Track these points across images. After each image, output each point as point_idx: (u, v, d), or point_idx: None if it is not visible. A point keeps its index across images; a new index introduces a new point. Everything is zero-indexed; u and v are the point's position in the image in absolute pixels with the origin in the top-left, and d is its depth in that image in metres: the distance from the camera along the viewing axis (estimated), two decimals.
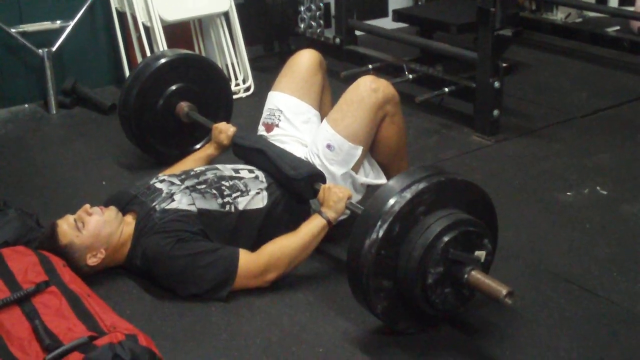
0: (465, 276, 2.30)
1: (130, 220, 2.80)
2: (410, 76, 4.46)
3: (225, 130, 3.27)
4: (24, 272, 2.48)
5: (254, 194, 2.90)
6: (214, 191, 2.86)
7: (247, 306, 2.69)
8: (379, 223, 2.31)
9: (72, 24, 4.69)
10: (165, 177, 2.95)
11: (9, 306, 2.34)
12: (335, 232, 2.85)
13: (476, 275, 2.29)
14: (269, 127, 3.23)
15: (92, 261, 2.71)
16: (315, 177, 2.90)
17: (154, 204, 2.80)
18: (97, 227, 2.72)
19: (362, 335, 2.55)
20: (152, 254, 2.70)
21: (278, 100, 3.25)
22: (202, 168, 3.03)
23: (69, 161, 3.97)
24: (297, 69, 3.29)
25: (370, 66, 4.62)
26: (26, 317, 2.30)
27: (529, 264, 2.92)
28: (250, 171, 3.00)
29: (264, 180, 2.96)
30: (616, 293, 2.73)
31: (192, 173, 2.97)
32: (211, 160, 3.30)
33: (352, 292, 2.45)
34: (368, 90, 2.95)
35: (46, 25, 4.68)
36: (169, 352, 2.40)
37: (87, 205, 2.78)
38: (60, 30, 4.67)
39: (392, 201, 2.33)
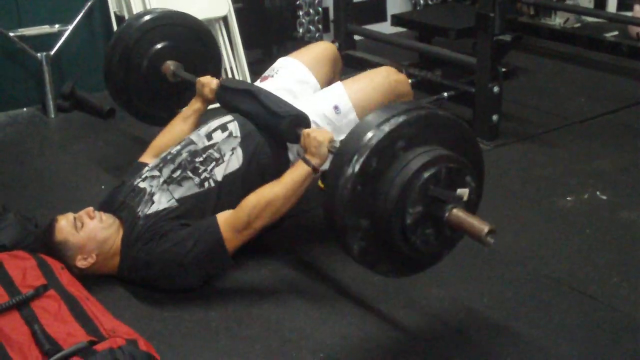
0: (446, 215, 2.17)
1: (120, 229, 2.80)
2: (410, 81, 4.43)
3: (208, 83, 3.24)
4: (23, 276, 2.48)
5: (228, 156, 2.87)
6: (189, 173, 2.84)
7: (246, 311, 2.69)
8: (355, 157, 2.16)
9: (70, 28, 4.68)
10: (148, 174, 2.93)
11: (8, 311, 2.33)
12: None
13: (457, 213, 2.16)
14: (264, 79, 3.24)
15: (81, 263, 2.71)
16: (300, 118, 2.85)
17: (138, 209, 2.80)
18: (94, 230, 2.72)
19: (362, 340, 2.54)
20: (142, 262, 2.71)
21: (283, 60, 3.29)
22: (178, 147, 2.97)
23: (67, 165, 3.96)
24: (313, 49, 3.38)
25: (368, 69, 4.61)
26: (25, 322, 2.30)
27: (528, 270, 2.92)
28: (224, 129, 2.95)
29: (238, 134, 2.92)
30: (617, 299, 2.73)
31: (168, 157, 2.94)
32: (200, 116, 3.27)
33: (329, 231, 2.30)
34: (390, 77, 3.02)
35: (44, 29, 4.67)
36: (168, 357, 2.40)
37: (91, 209, 2.79)
38: (58, 34, 4.67)
39: (369, 134, 2.18)
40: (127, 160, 3.84)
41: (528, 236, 3.16)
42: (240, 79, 4.85)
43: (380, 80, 3.01)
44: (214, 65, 3.80)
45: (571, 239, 3.13)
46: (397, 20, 5.31)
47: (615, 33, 5.71)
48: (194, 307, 2.70)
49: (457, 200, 2.20)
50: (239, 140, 2.91)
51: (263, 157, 2.90)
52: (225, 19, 4.84)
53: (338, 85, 3.04)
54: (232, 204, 2.75)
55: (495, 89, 3.97)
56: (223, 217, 2.71)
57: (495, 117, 4.04)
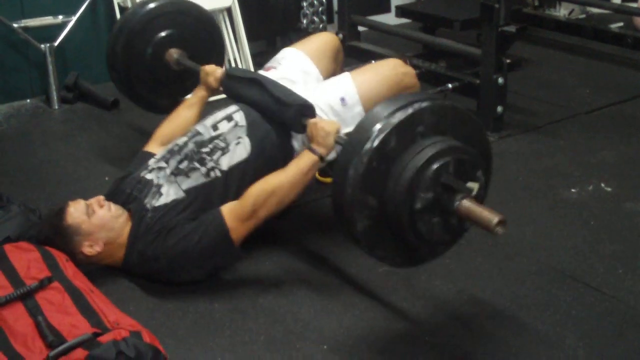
0: (456, 204, 2.20)
1: (128, 221, 2.79)
2: (414, 71, 4.43)
3: (212, 72, 3.24)
4: (27, 268, 2.48)
5: (234, 146, 2.87)
6: (196, 164, 2.84)
7: (250, 303, 2.68)
8: (376, 133, 2.19)
9: (74, 18, 4.67)
10: (154, 165, 2.93)
11: (12, 302, 2.34)
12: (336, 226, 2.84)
13: (467, 202, 2.19)
14: (267, 69, 3.24)
15: (87, 250, 2.70)
16: (306, 108, 2.85)
17: (145, 201, 2.79)
18: (104, 218, 2.72)
19: (366, 332, 2.54)
20: (150, 252, 2.71)
21: (286, 51, 3.29)
22: (184, 138, 2.97)
23: (71, 156, 3.96)
24: (315, 40, 3.37)
25: (373, 62, 4.60)
26: (29, 314, 2.30)
27: (533, 261, 2.91)
28: (229, 119, 2.95)
29: (244, 123, 2.92)
30: (621, 290, 2.72)
31: (175, 149, 2.94)
32: (204, 104, 3.28)
33: (334, 204, 2.31)
34: (397, 70, 3.03)
35: (48, 20, 4.66)
36: (172, 348, 2.40)
37: (102, 197, 2.79)
38: (62, 25, 4.65)
39: (392, 114, 2.22)
40: (131, 151, 3.83)
41: (532, 228, 3.15)
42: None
43: (387, 72, 3.01)
44: (217, 54, 3.79)
45: (576, 231, 3.12)
46: (402, 11, 5.29)
47: (621, 24, 5.70)
48: (198, 299, 2.70)
49: (467, 191, 2.22)
50: (245, 129, 2.90)
51: (269, 146, 2.90)
52: (229, 10, 4.83)
53: (345, 76, 3.03)
54: (240, 194, 2.74)
55: (500, 80, 3.96)
56: (227, 208, 2.70)
57: (499, 109, 4.03)
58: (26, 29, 4.57)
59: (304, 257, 2.94)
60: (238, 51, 4.87)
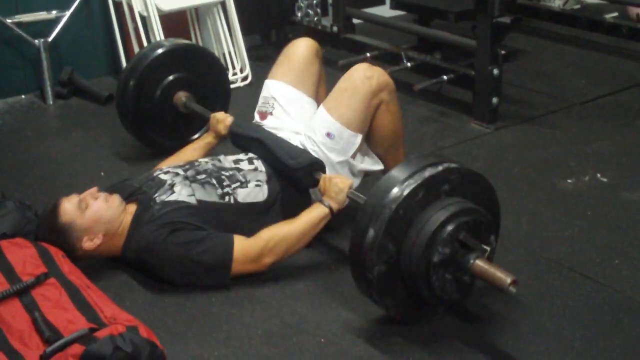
0: (471, 262, 2.30)
1: (131, 210, 2.78)
2: (409, 64, 4.44)
3: (222, 120, 3.26)
4: (23, 264, 2.47)
5: (253, 186, 2.89)
6: (214, 181, 2.85)
7: (247, 297, 2.68)
8: (407, 182, 2.32)
9: (68, 14, 4.66)
10: (170, 169, 2.94)
11: (9, 298, 2.33)
12: (335, 221, 2.83)
13: (482, 262, 2.30)
14: (263, 116, 3.22)
15: (87, 245, 2.69)
16: (314, 166, 2.89)
17: (155, 195, 2.79)
18: (99, 211, 2.70)
19: (364, 325, 2.54)
20: (146, 243, 2.69)
21: (273, 88, 3.23)
22: (205, 159, 3.02)
23: (66, 152, 3.95)
24: (293, 57, 3.27)
25: (368, 54, 4.61)
26: (26, 310, 2.29)
27: (530, 252, 2.91)
28: (250, 162, 2.99)
29: (264, 171, 2.95)
30: (618, 281, 2.73)
31: (195, 164, 2.97)
32: (210, 150, 3.30)
33: (353, 244, 2.39)
34: (362, 77, 2.94)
35: (42, 15, 4.64)
36: (169, 343, 2.39)
37: (95, 189, 2.78)
38: (56, 21, 4.64)
39: (424, 167, 2.36)
40: (126, 145, 3.85)
41: (529, 218, 3.15)
42: (239, 64, 4.84)
43: (355, 84, 2.95)
44: (223, 99, 3.84)
45: (572, 221, 3.13)
46: (396, 3, 5.27)
47: (615, 14, 5.68)
48: (195, 294, 2.70)
49: (482, 252, 2.33)
50: (264, 176, 2.94)
51: (287, 198, 2.93)
52: (223, 4, 4.82)
53: (321, 111, 3.01)
54: (248, 229, 2.75)
55: (495, 71, 3.96)
56: (240, 241, 2.70)
57: (495, 100, 4.03)
58: (20, 24, 4.55)
59: (301, 251, 2.93)
60: (233, 45, 4.86)
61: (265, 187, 2.91)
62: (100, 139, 4.06)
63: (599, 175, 3.49)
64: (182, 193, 2.79)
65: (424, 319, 2.53)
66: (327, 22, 5.27)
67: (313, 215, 2.76)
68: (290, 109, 3.18)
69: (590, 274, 2.77)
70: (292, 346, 2.45)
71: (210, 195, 2.81)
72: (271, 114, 3.19)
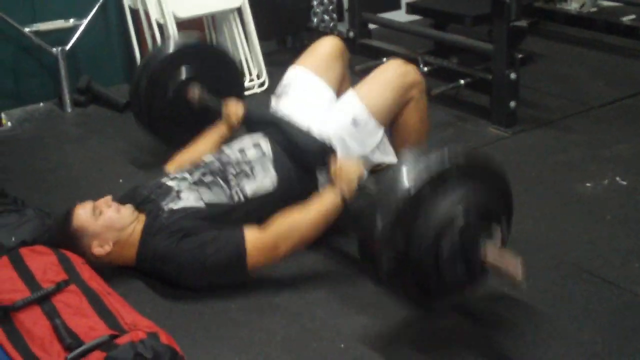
0: (482, 250, 2.25)
1: (141, 219, 2.80)
2: (425, 69, 4.43)
3: (235, 111, 3.27)
4: (43, 271, 2.48)
5: (261, 176, 2.88)
6: (221, 181, 2.86)
7: (266, 303, 2.68)
8: (412, 179, 2.27)
9: (85, 22, 4.67)
10: (177, 174, 2.95)
11: (30, 306, 2.34)
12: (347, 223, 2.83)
13: (494, 249, 2.25)
14: (279, 98, 3.24)
15: (97, 250, 2.71)
16: (327, 149, 2.88)
17: (163, 203, 2.80)
18: (111, 219, 2.72)
19: (383, 330, 2.54)
20: (159, 253, 2.71)
21: (294, 73, 3.28)
22: (210, 157, 3.01)
23: (84, 159, 3.97)
24: (318, 50, 3.33)
25: (384, 59, 4.60)
26: (46, 317, 2.30)
27: (549, 257, 2.90)
28: (256, 147, 2.98)
29: (270, 152, 2.94)
30: (638, 285, 2.71)
31: (201, 164, 2.97)
32: (223, 139, 3.30)
33: (362, 230, 2.38)
34: (398, 72, 3.00)
35: (59, 24, 4.67)
36: (189, 349, 2.39)
37: (109, 197, 2.80)
38: (73, 29, 4.66)
39: (430, 163, 2.31)
40: (144, 153, 3.87)
41: (548, 223, 3.14)
42: (256, 70, 4.85)
43: (389, 76, 3.00)
44: (236, 92, 3.81)
45: (591, 225, 3.11)
46: (412, 8, 5.28)
47: (633, 17, 5.66)
48: (214, 300, 2.70)
49: (493, 237, 2.30)
50: (271, 161, 2.93)
51: (295, 180, 2.92)
52: (239, 10, 4.83)
53: (351, 95, 3.03)
54: (260, 222, 2.74)
55: (512, 75, 3.95)
56: (250, 233, 2.68)
57: (512, 104, 4.02)
58: (38, 33, 4.58)
59: (319, 256, 2.93)
60: (249, 51, 4.87)
61: (272, 173, 2.90)
62: (118, 146, 4.08)
63: (618, 178, 3.47)
64: (189, 199, 2.80)
65: (436, 309, 2.51)
66: (343, 27, 5.29)
67: (324, 203, 2.73)
68: (306, 93, 3.19)
69: (610, 277, 2.75)
70: (312, 352, 2.45)
71: (218, 197, 2.82)
72: (287, 96, 3.21)
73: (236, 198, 2.84)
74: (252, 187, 2.87)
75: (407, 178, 2.29)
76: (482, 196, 2.33)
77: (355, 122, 2.95)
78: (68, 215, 2.73)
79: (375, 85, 3.02)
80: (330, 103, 3.17)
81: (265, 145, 2.98)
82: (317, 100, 3.18)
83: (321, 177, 2.95)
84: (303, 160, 2.92)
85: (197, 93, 3.60)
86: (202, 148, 3.23)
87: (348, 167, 2.76)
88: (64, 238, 2.71)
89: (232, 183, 2.86)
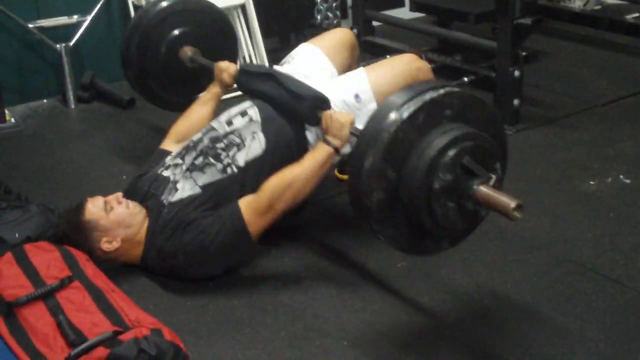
0: (474, 188, 2.21)
1: (145, 219, 2.80)
2: (429, 66, 4.42)
3: (227, 68, 3.26)
4: (47, 267, 2.49)
5: (249, 141, 2.87)
6: (212, 159, 2.85)
7: (270, 300, 2.69)
8: (406, 105, 2.22)
9: (89, 18, 4.68)
10: (171, 162, 2.95)
11: (33, 302, 2.35)
12: (354, 221, 2.83)
13: (485, 188, 2.20)
14: (281, 64, 3.26)
15: (106, 246, 2.71)
16: (321, 100, 2.87)
17: (162, 198, 2.81)
18: (122, 215, 2.74)
19: (387, 327, 2.54)
20: (167, 250, 2.72)
21: (301, 48, 3.30)
22: (199, 135, 2.99)
23: (88, 156, 3.97)
24: (331, 36, 3.37)
25: (388, 57, 4.59)
26: (50, 313, 2.31)
27: (553, 255, 2.90)
28: (244, 114, 2.96)
29: (258, 118, 2.92)
30: None
31: (190, 145, 2.96)
32: (217, 100, 3.30)
33: (351, 171, 2.31)
34: (412, 66, 3.02)
35: (63, 20, 4.68)
36: (193, 346, 2.40)
37: (120, 194, 2.81)
38: (77, 25, 4.67)
39: (424, 90, 2.26)
40: (147, 149, 3.85)
41: (552, 221, 3.14)
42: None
43: (402, 67, 3.00)
44: (230, 51, 3.79)
45: (595, 223, 3.11)
46: (416, 5, 5.27)
47: (636, 15, 5.66)
48: (218, 296, 2.70)
49: (487, 177, 2.22)
50: (259, 124, 2.91)
51: (284, 141, 2.90)
52: (243, 7, 4.83)
53: (360, 71, 3.03)
54: (256, 189, 2.74)
55: (516, 73, 3.94)
56: (245, 202, 2.70)
57: (516, 102, 4.01)
58: (41, 29, 4.58)
59: (323, 253, 2.94)
60: (252, 48, 4.87)
61: (260, 135, 2.88)
62: (122, 143, 4.08)
63: (621, 176, 3.47)
64: (185, 189, 2.81)
65: (428, 252, 2.47)
66: (346, 24, 5.28)
67: (317, 156, 2.73)
68: (309, 65, 3.19)
69: (614, 275, 2.75)
70: (315, 349, 2.45)
71: (212, 176, 2.82)
72: (289, 62, 3.23)
73: (229, 171, 2.83)
74: (243, 155, 2.85)
75: (399, 106, 2.23)
76: (477, 137, 2.26)
77: (357, 97, 2.94)
78: (79, 208, 2.73)
79: (386, 69, 3.02)
80: (332, 79, 3.17)
81: (253, 111, 2.95)
82: (320, 72, 3.18)
83: (310, 137, 2.93)
84: (296, 112, 2.89)
85: (189, 53, 3.58)
86: (198, 112, 3.24)
87: (338, 116, 2.74)
88: (73, 230, 2.71)
89: (222, 156, 2.85)
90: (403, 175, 2.25)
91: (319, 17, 5.32)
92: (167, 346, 2.17)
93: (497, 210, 2.18)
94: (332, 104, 2.90)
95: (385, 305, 2.59)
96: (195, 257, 2.69)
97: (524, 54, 4.01)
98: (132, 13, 4.77)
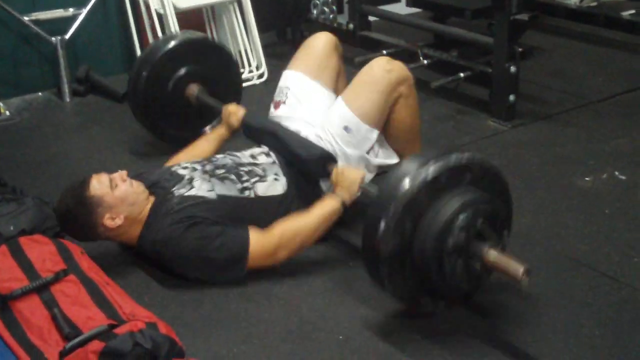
0: (485, 250, 2.28)
1: (150, 200, 2.80)
2: (425, 62, 4.43)
3: (235, 112, 3.27)
4: (42, 260, 2.48)
5: (272, 179, 2.89)
6: (233, 176, 2.86)
7: (265, 294, 2.69)
8: (432, 167, 2.31)
9: (84, 11, 4.66)
10: (187, 164, 2.95)
11: (28, 295, 2.34)
12: (350, 216, 2.83)
13: (495, 252, 2.29)
14: (277, 105, 3.23)
15: (109, 222, 2.70)
16: (326, 158, 2.90)
17: (173, 189, 2.80)
18: (126, 192, 2.73)
19: (382, 321, 2.54)
20: (163, 236, 2.70)
21: (289, 78, 3.26)
22: (222, 155, 3.02)
23: (83, 149, 3.97)
24: (312, 50, 3.30)
25: (384, 52, 4.60)
26: (45, 306, 2.31)
27: (548, 250, 2.90)
28: (267, 155, 3.00)
29: (282, 161, 2.96)
30: (637, 279, 2.71)
31: (213, 159, 2.98)
32: (222, 142, 3.31)
33: (372, 214, 2.37)
34: (382, 71, 2.96)
35: (59, 12, 4.66)
36: (188, 340, 2.40)
37: (125, 172, 2.80)
38: (72, 18, 4.65)
39: (450, 152, 2.38)
40: (142, 143, 3.87)
41: (547, 217, 3.14)
42: (255, 62, 4.83)
43: (375, 77, 2.97)
44: (235, 92, 3.81)
45: (591, 219, 3.11)
46: (412, 0, 5.27)
47: (632, 11, 5.64)
48: (213, 290, 2.70)
49: (497, 243, 2.32)
50: (281, 168, 2.94)
51: (302, 187, 2.94)
52: (239, 1, 4.82)
53: (339, 103, 3.02)
54: (266, 222, 2.75)
55: (512, 69, 3.94)
56: (256, 236, 2.69)
57: (512, 97, 4.02)
58: (37, 22, 4.56)
59: (318, 247, 2.93)
60: (249, 43, 4.86)
61: (283, 180, 2.91)
62: (117, 136, 4.07)
63: (617, 173, 3.47)
64: (201, 188, 2.79)
65: (423, 308, 2.50)
66: (342, 19, 5.28)
67: (325, 208, 2.76)
68: (304, 98, 3.19)
69: (609, 272, 2.75)
70: (310, 343, 2.45)
71: (229, 190, 2.82)
72: (284, 103, 3.21)
73: (247, 193, 2.84)
74: (263, 187, 2.88)
75: (423, 167, 2.32)
76: (491, 203, 2.37)
77: (347, 129, 2.96)
78: (84, 183, 2.72)
79: (360, 88, 3.00)
80: (329, 104, 3.16)
81: (275, 154, 3.00)
82: (316, 106, 3.18)
83: (324, 186, 2.96)
84: (304, 170, 2.94)
85: (196, 91, 3.60)
86: (201, 148, 3.24)
87: (348, 172, 2.79)
88: (77, 205, 2.69)
89: (244, 178, 2.87)
90: (419, 229, 2.33)
91: (315, 12, 5.31)
92: (162, 340, 2.16)
93: (506, 273, 2.27)
94: (332, 147, 2.95)
95: (381, 301, 2.58)
96: (187, 255, 2.68)
97: (520, 50, 4.01)
98: (128, 6, 4.77)
